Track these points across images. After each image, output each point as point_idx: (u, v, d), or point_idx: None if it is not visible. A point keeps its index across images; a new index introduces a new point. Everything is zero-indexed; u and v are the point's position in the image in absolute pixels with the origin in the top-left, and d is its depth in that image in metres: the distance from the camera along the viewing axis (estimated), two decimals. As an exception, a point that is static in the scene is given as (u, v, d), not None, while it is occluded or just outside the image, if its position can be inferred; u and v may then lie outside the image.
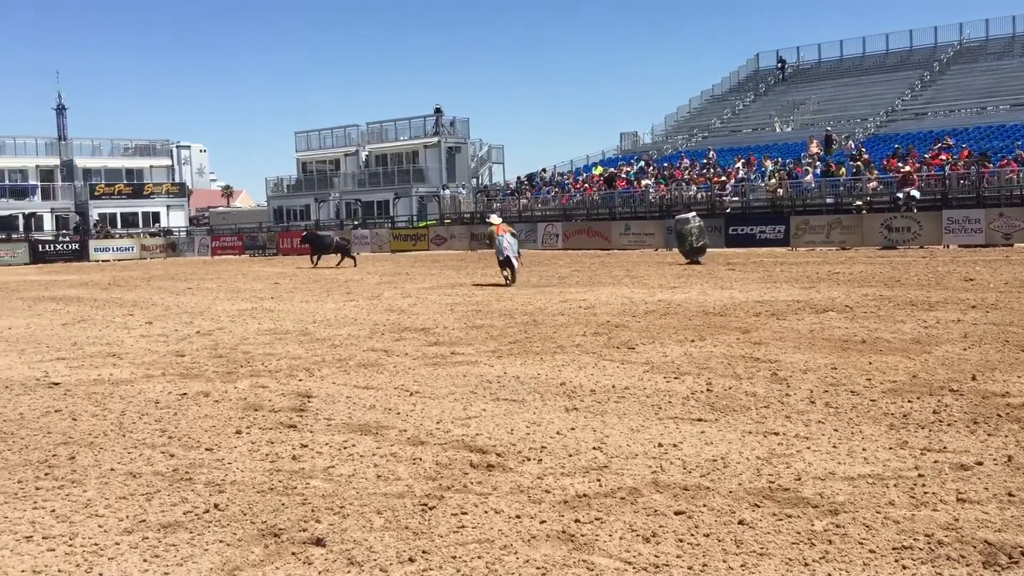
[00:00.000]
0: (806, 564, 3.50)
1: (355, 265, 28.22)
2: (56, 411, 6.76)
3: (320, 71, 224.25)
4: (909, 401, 6.13)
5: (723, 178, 35.45)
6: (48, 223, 55.70)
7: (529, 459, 5.07)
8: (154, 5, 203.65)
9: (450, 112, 52.98)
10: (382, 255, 37.57)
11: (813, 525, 3.89)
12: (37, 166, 57.27)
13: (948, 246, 25.13)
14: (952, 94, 41.24)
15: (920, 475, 4.52)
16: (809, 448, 5.08)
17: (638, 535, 3.85)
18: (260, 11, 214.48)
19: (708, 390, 6.71)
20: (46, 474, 5.08)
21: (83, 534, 4.07)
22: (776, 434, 5.41)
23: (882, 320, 10.16)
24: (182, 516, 4.27)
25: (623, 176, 40.06)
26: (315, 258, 29.36)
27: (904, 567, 3.45)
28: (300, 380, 7.75)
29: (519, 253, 18.11)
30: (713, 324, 10.34)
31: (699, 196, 35.38)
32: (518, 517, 4.10)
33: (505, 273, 17.74)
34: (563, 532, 3.90)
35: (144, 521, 4.21)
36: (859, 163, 32.36)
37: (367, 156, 54.78)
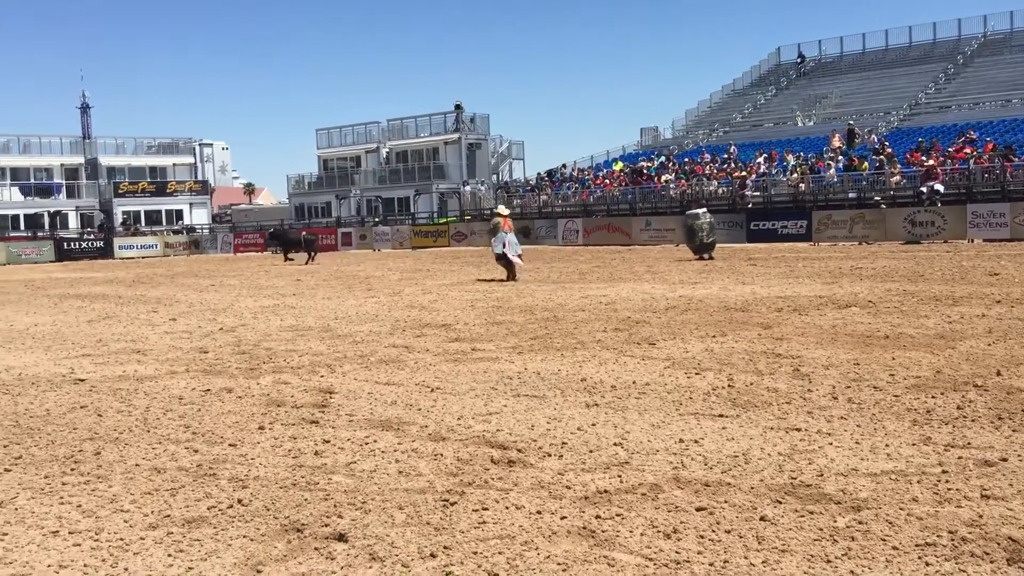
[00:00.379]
0: (828, 561, 3.49)
1: (310, 262, 28.63)
2: (82, 407, 6.83)
3: (341, 69, 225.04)
4: (933, 397, 6.08)
5: (744, 173, 35.25)
6: (73, 221, 56.31)
7: (550, 455, 5.07)
8: (177, 5, 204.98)
9: (470, 108, 53.13)
10: (403, 251, 37.66)
11: (835, 521, 3.87)
12: (62, 164, 57.90)
13: (972, 240, 24.88)
14: (976, 87, 40.80)
15: (944, 471, 4.49)
16: (831, 444, 5.06)
17: (659, 531, 3.84)
18: (282, 10, 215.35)
19: (729, 386, 6.69)
20: (72, 469, 5.13)
21: (108, 529, 4.12)
22: (798, 430, 5.38)
23: (905, 315, 10.09)
24: (206, 511, 4.31)
25: (643, 171, 39.95)
26: (280, 252, 29.61)
27: (927, 564, 3.42)
28: (322, 376, 7.79)
29: (520, 253, 18.33)
30: (734, 320, 10.30)
31: (720, 191, 35.24)
32: (539, 513, 4.11)
33: (502, 265, 18.09)
34: (584, 528, 3.91)
35: (168, 516, 4.26)
36: (882, 157, 32.10)
37: (388, 153, 54.95)
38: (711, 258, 21.69)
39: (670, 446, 5.16)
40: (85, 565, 3.72)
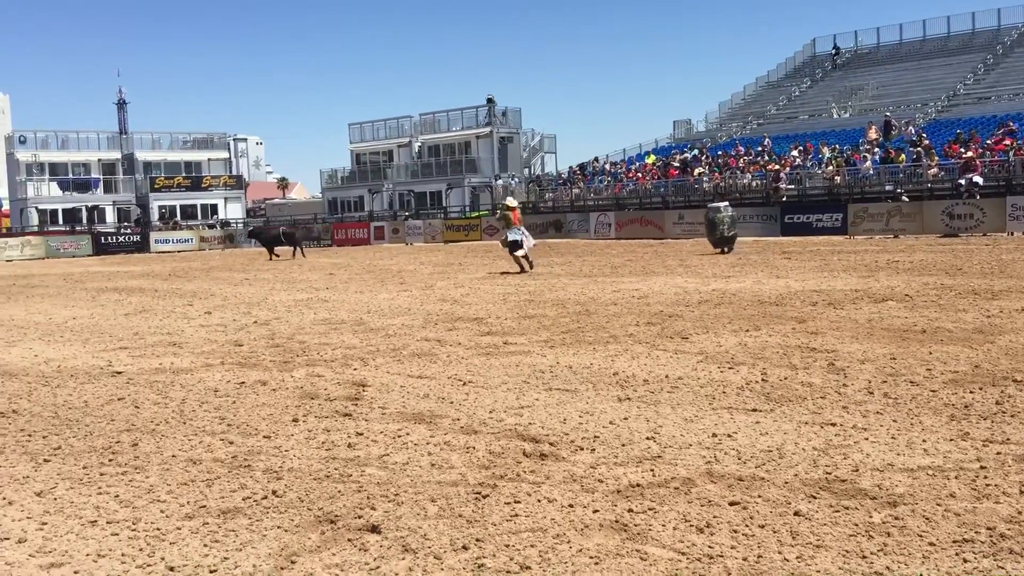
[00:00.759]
0: (863, 556, 3.45)
1: (296, 256, 28.67)
2: (119, 399, 6.93)
3: (373, 63, 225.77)
4: (971, 392, 6.00)
5: (777, 166, 34.92)
6: (110, 215, 57.10)
7: (582, 448, 5.06)
8: (212, 3, 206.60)
9: (502, 102, 53.04)
10: (435, 245, 37.77)
11: (871, 517, 3.83)
12: (99, 160, 58.72)
13: (1012, 233, 24.47)
14: (1016, 78, 40.04)
15: (982, 467, 4.43)
16: (867, 439, 5.00)
17: (692, 525, 3.83)
18: (315, 7, 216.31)
19: (763, 380, 6.64)
20: (110, 460, 5.21)
21: (146, 519, 4.17)
22: (833, 425, 5.33)
23: (943, 309, 9.95)
24: (241, 502, 4.35)
25: (675, 165, 39.71)
26: (267, 250, 29.67)
27: (965, 560, 3.38)
28: (355, 369, 7.83)
29: (533, 244, 18.51)
30: (768, 314, 10.22)
31: (754, 184, 34.93)
32: (571, 506, 4.11)
33: (518, 254, 18.22)
34: (616, 522, 3.90)
35: (204, 507, 4.30)
36: (919, 149, 31.65)
37: (420, 147, 55.03)
38: (730, 251, 21.62)
39: (703, 440, 5.13)
40: (123, 554, 3.77)
